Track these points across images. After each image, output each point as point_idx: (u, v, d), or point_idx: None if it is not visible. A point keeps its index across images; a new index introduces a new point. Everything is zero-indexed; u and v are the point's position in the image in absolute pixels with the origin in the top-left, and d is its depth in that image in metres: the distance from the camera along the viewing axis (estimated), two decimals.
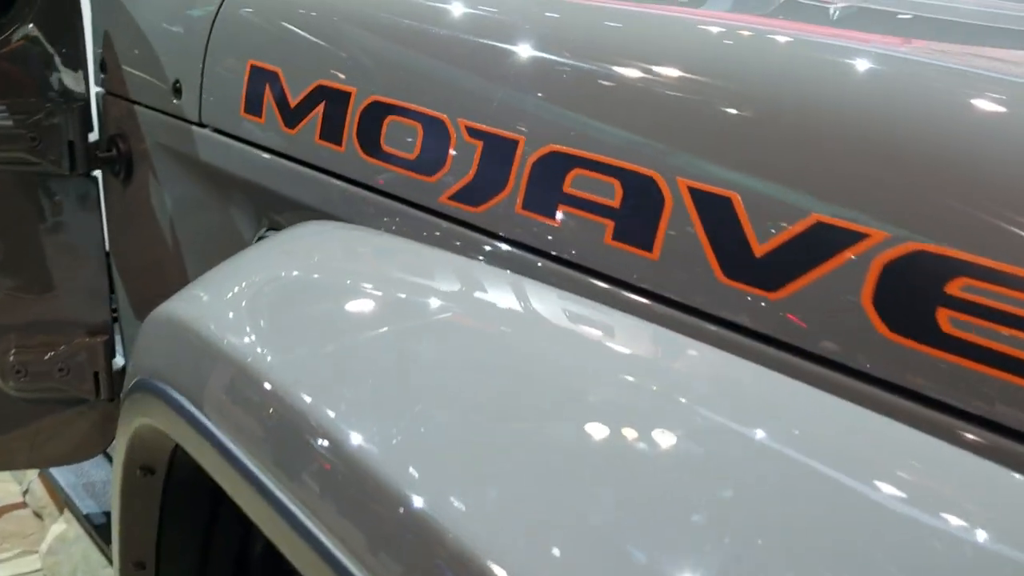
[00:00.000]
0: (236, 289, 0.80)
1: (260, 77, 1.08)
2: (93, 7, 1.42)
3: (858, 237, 0.59)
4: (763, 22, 0.81)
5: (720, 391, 0.61)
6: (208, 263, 1.31)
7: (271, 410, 0.65)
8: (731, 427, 0.56)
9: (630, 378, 0.62)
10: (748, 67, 0.69)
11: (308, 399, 0.63)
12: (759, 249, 0.64)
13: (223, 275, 0.84)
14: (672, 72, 0.72)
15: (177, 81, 1.23)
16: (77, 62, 1.33)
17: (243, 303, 0.78)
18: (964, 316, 0.55)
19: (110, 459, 1.80)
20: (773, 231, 0.63)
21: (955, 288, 0.56)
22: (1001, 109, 0.59)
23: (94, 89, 1.42)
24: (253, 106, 1.09)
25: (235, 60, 1.12)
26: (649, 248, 0.70)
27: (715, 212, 0.66)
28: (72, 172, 1.34)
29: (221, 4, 1.16)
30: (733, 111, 0.67)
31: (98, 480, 1.95)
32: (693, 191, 0.67)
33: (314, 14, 1.03)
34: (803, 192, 0.62)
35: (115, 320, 1.60)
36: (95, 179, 1.40)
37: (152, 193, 1.37)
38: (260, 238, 1.16)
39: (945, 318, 0.56)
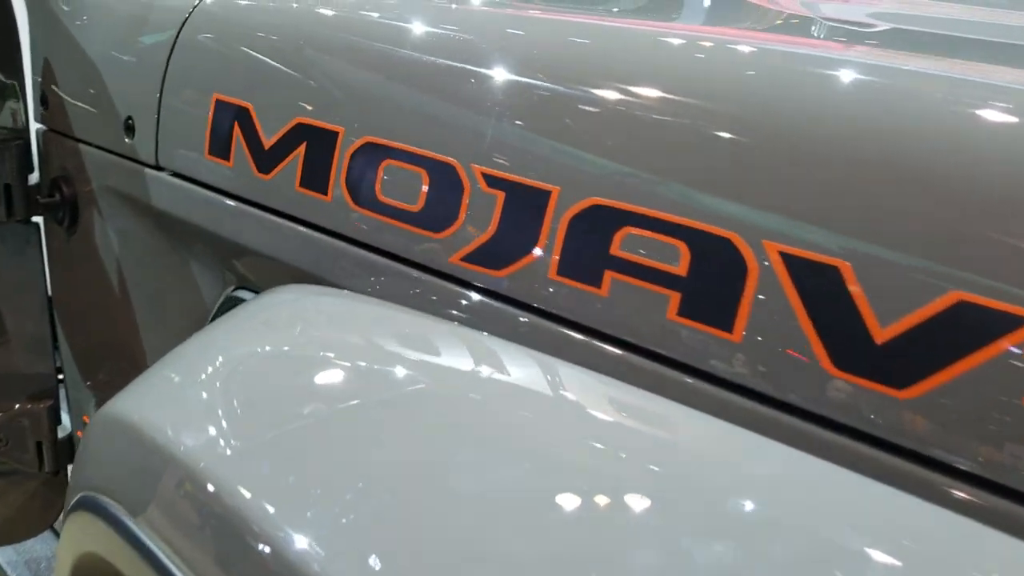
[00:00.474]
0: (198, 381, 0.65)
1: (227, 113, 0.93)
2: (32, 31, 1.26)
3: (1017, 323, 0.46)
4: (840, 50, 0.68)
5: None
6: (165, 323, 1.15)
7: (250, 549, 0.50)
8: None
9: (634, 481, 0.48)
10: (859, 99, 0.56)
11: (290, 537, 0.48)
12: (881, 334, 0.50)
13: (182, 363, 0.69)
14: (756, 106, 0.59)
15: (129, 118, 1.07)
16: (15, 95, 1.17)
17: (208, 399, 0.62)
18: None
19: (56, 533, 1.61)
20: (899, 312, 0.50)
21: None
22: None
23: (34, 126, 1.25)
24: (219, 147, 0.94)
25: (197, 93, 0.97)
26: (728, 327, 0.56)
27: (818, 285, 0.53)
28: (9, 218, 1.19)
29: (180, 28, 1.01)
30: (840, 155, 0.54)
31: (43, 556, 1.76)
32: (787, 258, 0.54)
33: (292, 40, 0.88)
34: (940, 262, 0.49)
35: (60, 382, 1.43)
36: (36, 226, 1.25)
37: (100, 243, 1.21)
38: (228, 298, 1.00)
39: None
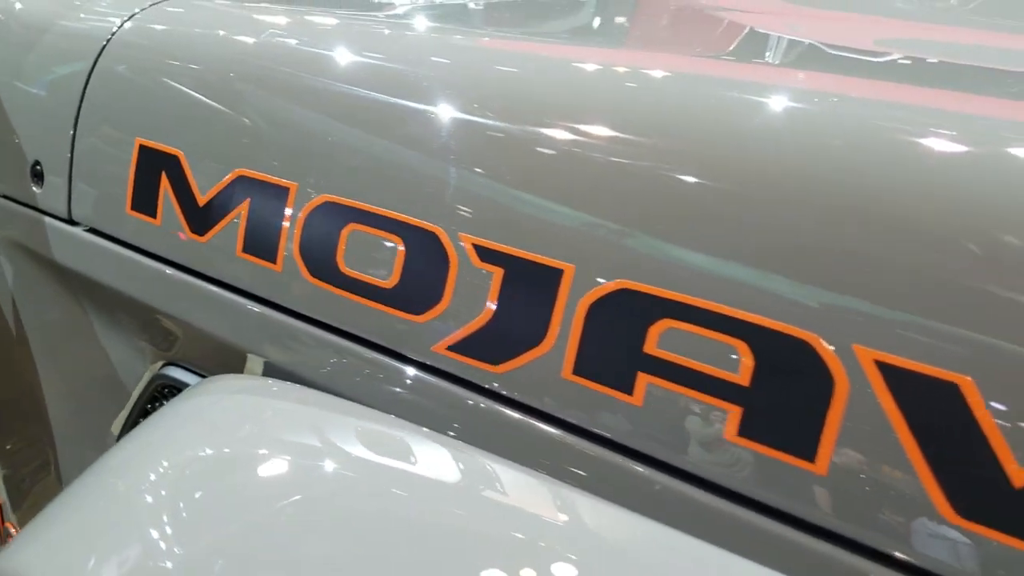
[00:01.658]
0: (111, 526, 0.50)
1: (154, 162, 0.78)
2: None
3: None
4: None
5: None
6: (79, 402, 0.98)
7: None
8: None
9: None
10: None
11: None
12: (1019, 476, 0.39)
13: (74, 507, 0.54)
14: (815, 175, 0.47)
15: (37, 163, 0.91)
16: None
17: (108, 546, 0.48)
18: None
19: None
20: None
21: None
22: None
23: None
24: (144, 201, 0.79)
25: (117, 136, 0.82)
26: (811, 457, 0.44)
27: (930, 404, 0.41)
28: None
29: (97, 58, 0.85)
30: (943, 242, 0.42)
31: None
32: (883, 367, 0.42)
33: (230, 74, 0.74)
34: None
35: None
36: None
37: (2, 304, 1.03)
38: (156, 377, 0.85)
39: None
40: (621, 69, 0.59)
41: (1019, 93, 0.57)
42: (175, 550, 0.48)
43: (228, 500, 0.51)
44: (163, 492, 0.53)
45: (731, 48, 0.74)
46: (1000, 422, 0.39)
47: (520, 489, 0.50)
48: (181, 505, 0.51)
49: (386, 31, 0.74)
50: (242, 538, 0.49)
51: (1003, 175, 0.42)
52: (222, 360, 0.75)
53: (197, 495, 0.52)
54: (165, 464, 0.55)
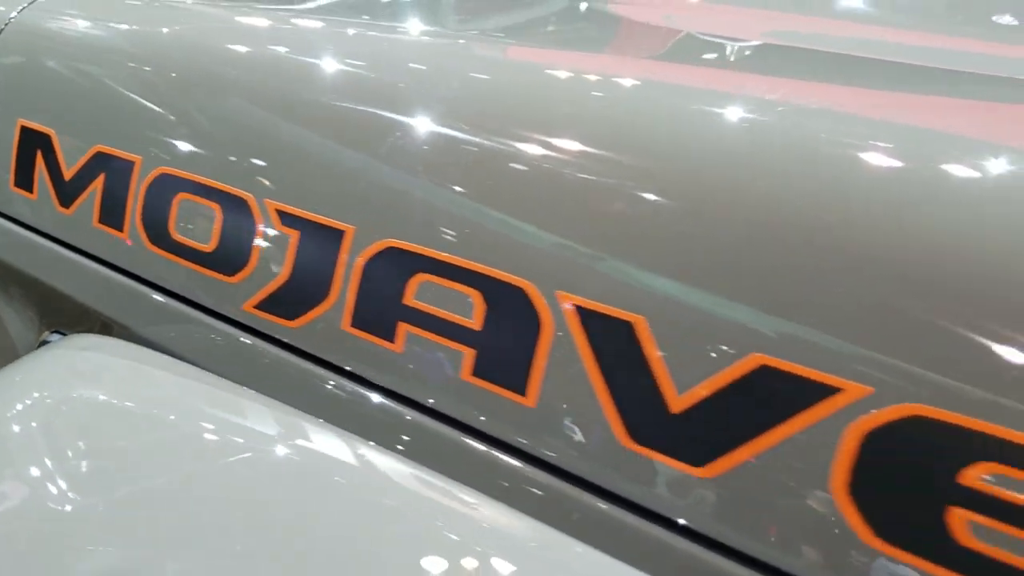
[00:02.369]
0: None
1: (32, 141, 0.83)
2: None
3: (825, 392, 0.40)
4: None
5: None
6: None
7: None
8: None
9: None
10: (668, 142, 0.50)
11: None
12: (677, 403, 0.44)
13: None
14: (567, 149, 0.52)
15: None
16: None
17: None
18: (982, 518, 0.36)
19: None
20: (696, 377, 0.43)
21: (972, 477, 0.36)
22: None
23: None
24: (24, 177, 0.84)
25: (3, 119, 0.87)
26: (522, 390, 0.49)
27: (615, 343, 0.46)
28: None
29: None
30: (633, 191, 0.47)
31: None
32: (581, 311, 0.47)
33: (95, 59, 0.79)
34: (745, 323, 0.42)
35: None
36: None
37: None
38: (42, 343, 0.90)
39: (960, 522, 0.37)
40: (423, 51, 0.65)
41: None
42: None
43: (38, 441, 0.56)
44: None
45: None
46: (664, 354, 0.44)
47: (312, 441, 0.55)
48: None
49: (238, 17, 0.79)
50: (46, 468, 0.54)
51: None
52: (92, 327, 0.81)
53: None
54: None
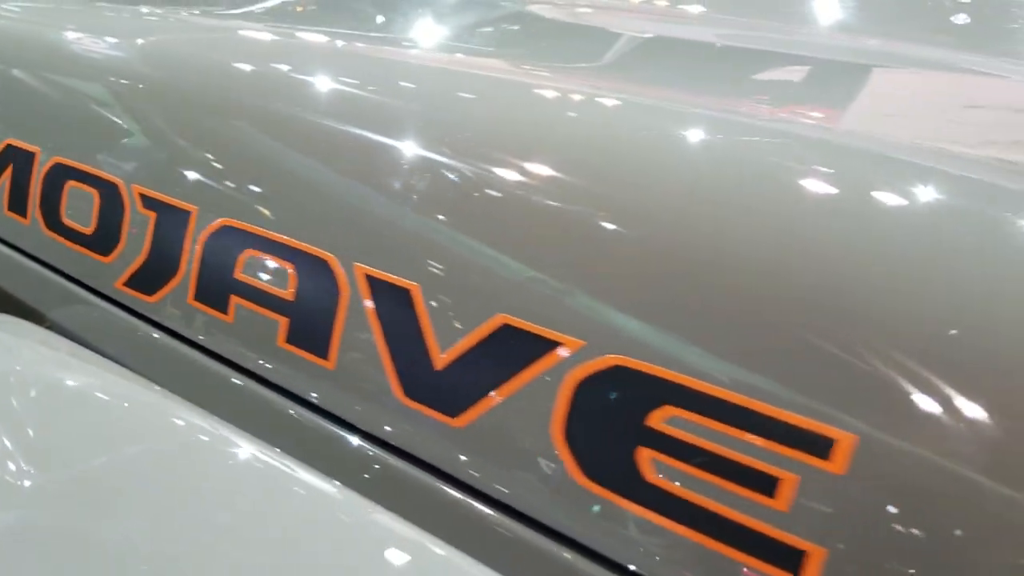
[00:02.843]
0: None
1: None
2: None
3: (546, 345, 0.44)
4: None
5: None
6: None
7: None
8: None
9: None
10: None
11: None
12: (439, 360, 0.48)
13: None
14: (360, 136, 0.56)
15: None
16: None
17: None
18: (667, 458, 0.40)
19: None
20: (455, 336, 0.47)
21: (657, 420, 0.40)
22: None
23: None
24: None
25: None
26: (324, 354, 0.53)
27: (394, 309, 0.50)
28: None
29: None
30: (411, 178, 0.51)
31: None
32: (372, 280, 0.51)
33: (10, 58, 0.85)
34: (494, 287, 0.47)
35: None
36: None
37: None
38: None
39: (647, 461, 0.40)
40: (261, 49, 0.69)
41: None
42: None
43: None
44: None
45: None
46: (432, 317, 0.48)
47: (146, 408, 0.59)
48: None
49: (135, 22, 0.85)
50: None
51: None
52: (10, 311, 0.86)
53: None
54: None
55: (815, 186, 0.41)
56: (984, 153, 0.47)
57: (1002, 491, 0.32)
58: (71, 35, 0.81)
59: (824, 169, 0.42)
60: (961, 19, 0.80)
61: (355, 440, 0.51)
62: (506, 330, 0.45)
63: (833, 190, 0.41)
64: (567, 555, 0.42)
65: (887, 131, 0.51)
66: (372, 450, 0.51)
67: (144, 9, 0.89)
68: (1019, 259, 0.36)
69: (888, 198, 0.39)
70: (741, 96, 0.57)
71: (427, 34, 0.84)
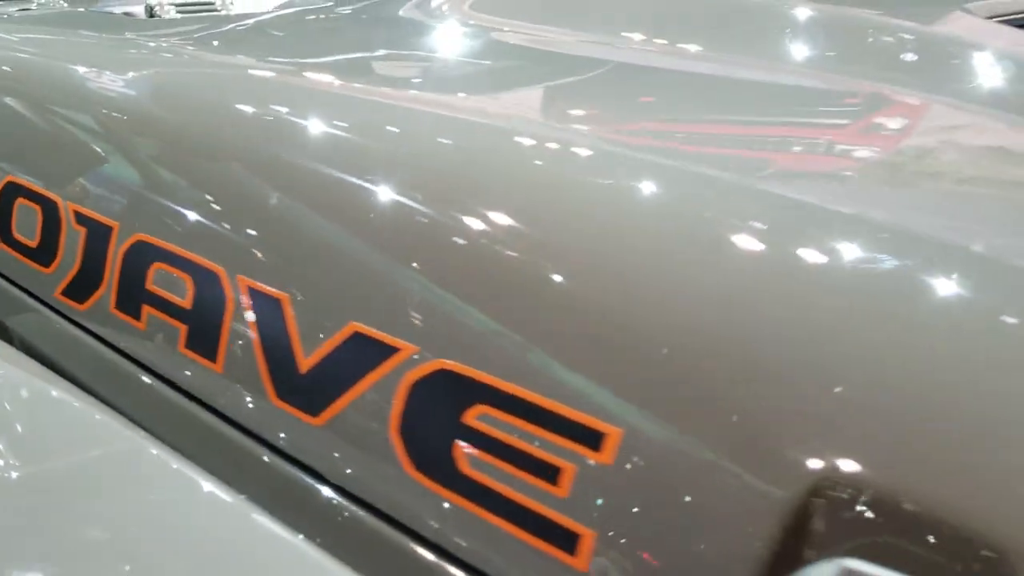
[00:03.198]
0: None
1: None
2: None
3: (387, 351, 0.48)
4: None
5: None
6: None
7: None
8: None
9: None
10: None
11: None
12: (304, 364, 0.52)
13: None
14: (268, 161, 0.61)
15: None
16: None
17: None
18: (481, 453, 0.44)
19: None
20: (316, 341, 0.52)
21: (471, 417, 0.44)
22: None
23: None
24: None
25: None
26: (213, 358, 0.58)
27: (269, 317, 0.55)
28: None
29: None
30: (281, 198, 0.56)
31: None
32: (252, 291, 0.56)
33: None
34: (347, 297, 0.51)
35: None
36: None
37: None
38: None
39: (463, 455, 0.45)
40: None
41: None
42: None
43: None
44: None
45: None
46: (298, 324, 0.53)
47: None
48: None
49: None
50: None
51: None
52: None
53: None
54: None
55: (577, 196, 0.46)
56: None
57: (746, 479, 0.36)
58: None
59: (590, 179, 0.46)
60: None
61: (237, 437, 0.56)
62: (357, 337, 0.50)
63: (585, 199, 0.45)
64: (400, 539, 0.47)
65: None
66: (251, 446, 0.55)
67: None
68: (751, 256, 0.40)
69: (637, 204, 0.44)
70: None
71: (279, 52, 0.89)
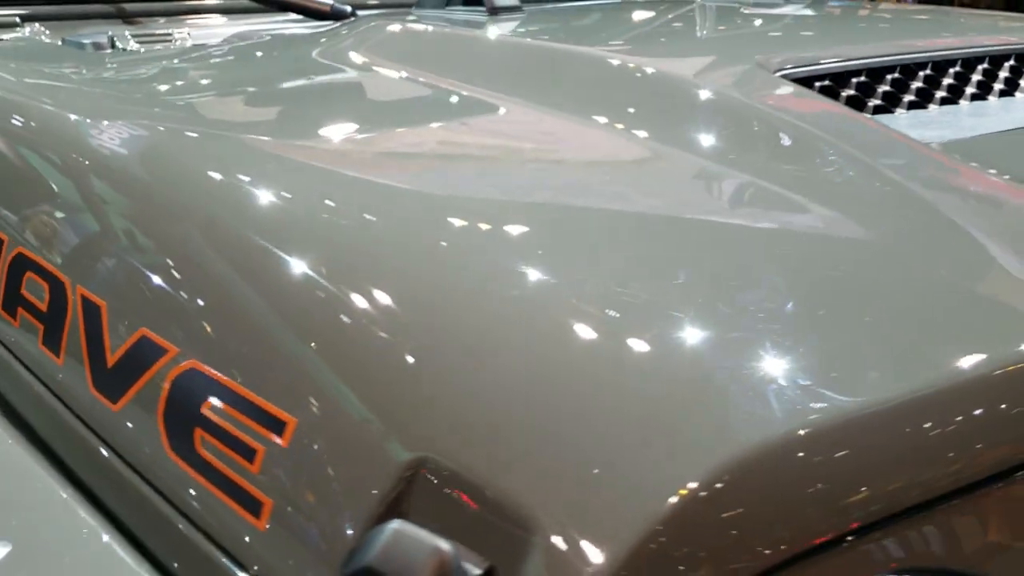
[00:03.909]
0: None
1: None
2: None
3: (162, 352, 0.59)
4: None
5: None
6: None
7: None
8: None
9: None
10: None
11: None
12: (111, 360, 0.63)
13: None
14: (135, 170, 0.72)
15: None
16: None
17: None
18: (210, 436, 0.54)
19: None
20: (120, 340, 0.63)
21: (206, 409, 0.55)
22: None
23: None
24: None
25: None
26: (57, 353, 0.69)
27: (92, 319, 0.66)
28: None
29: None
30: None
31: None
32: (84, 299, 0.67)
33: None
34: (132, 303, 0.62)
35: None
36: None
37: None
38: None
39: (199, 438, 0.55)
40: None
41: None
42: None
43: None
44: None
45: None
46: (110, 328, 0.64)
47: None
48: None
49: None
50: None
51: None
52: None
53: None
54: None
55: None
56: None
57: (355, 464, 0.46)
58: None
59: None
60: None
61: (70, 419, 0.67)
62: (144, 340, 0.60)
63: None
64: (157, 502, 0.57)
65: None
66: (79, 429, 0.66)
67: None
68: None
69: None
70: None
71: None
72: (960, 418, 0.45)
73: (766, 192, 0.66)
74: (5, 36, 1.30)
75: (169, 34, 1.38)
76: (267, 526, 0.50)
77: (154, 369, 0.59)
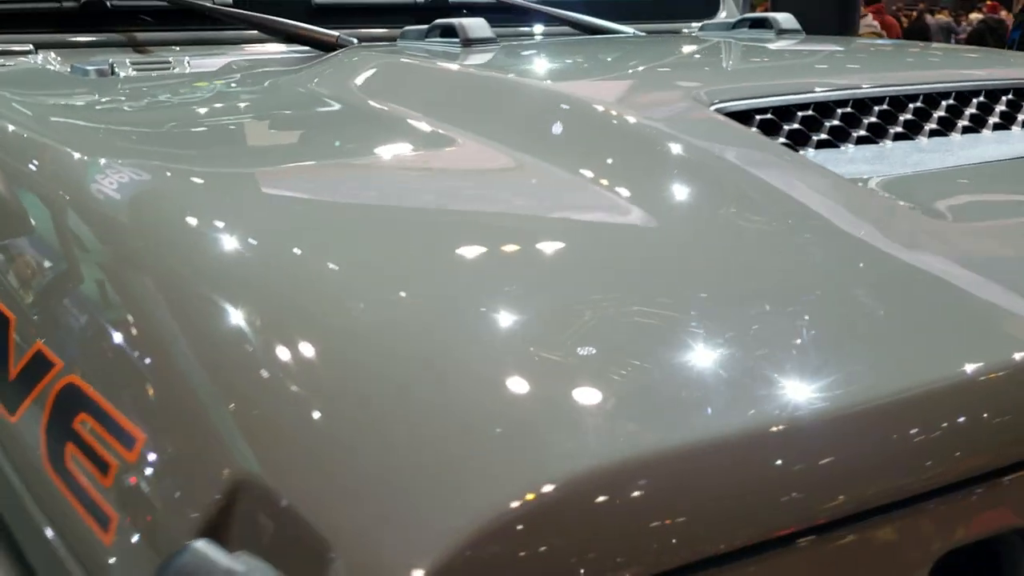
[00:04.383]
0: None
1: None
2: None
3: (50, 366, 0.60)
4: None
5: None
6: None
7: None
8: None
9: None
10: None
11: None
12: (12, 374, 0.65)
13: None
14: None
15: None
16: None
17: None
18: (75, 450, 0.55)
19: None
20: (21, 353, 0.64)
21: (76, 424, 0.56)
22: None
23: None
24: None
25: None
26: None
27: (1, 332, 0.68)
28: None
29: None
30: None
31: None
32: (2, 316, 0.69)
33: None
34: (35, 317, 0.64)
35: None
36: None
37: None
38: None
39: (69, 453, 0.56)
40: None
41: None
42: None
43: None
44: None
45: None
46: (15, 344, 0.65)
47: None
48: None
49: None
50: None
51: None
52: None
53: None
54: None
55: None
56: None
57: (185, 480, 0.46)
58: None
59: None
60: None
61: None
62: (39, 354, 0.62)
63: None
64: (39, 520, 0.58)
65: None
66: None
67: None
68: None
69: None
70: None
71: None
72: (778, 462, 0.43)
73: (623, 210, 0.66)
74: (10, 62, 1.36)
75: (168, 62, 1.42)
76: (112, 540, 0.50)
77: (43, 383, 0.60)
